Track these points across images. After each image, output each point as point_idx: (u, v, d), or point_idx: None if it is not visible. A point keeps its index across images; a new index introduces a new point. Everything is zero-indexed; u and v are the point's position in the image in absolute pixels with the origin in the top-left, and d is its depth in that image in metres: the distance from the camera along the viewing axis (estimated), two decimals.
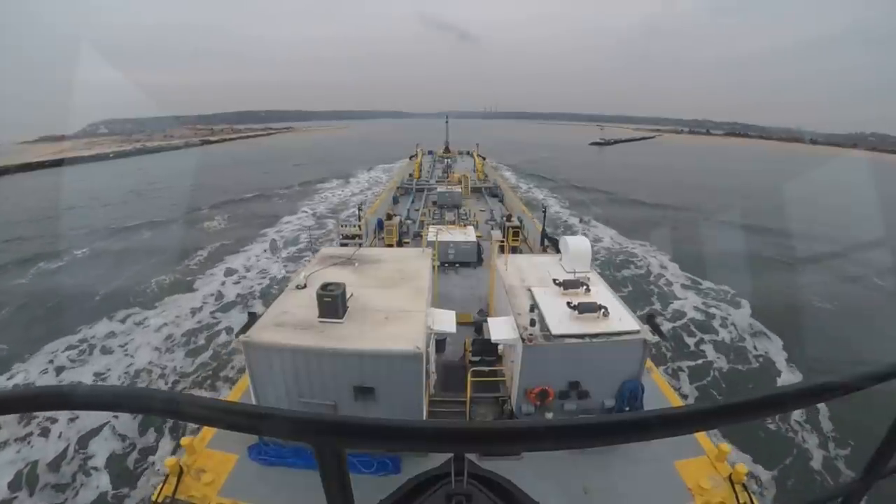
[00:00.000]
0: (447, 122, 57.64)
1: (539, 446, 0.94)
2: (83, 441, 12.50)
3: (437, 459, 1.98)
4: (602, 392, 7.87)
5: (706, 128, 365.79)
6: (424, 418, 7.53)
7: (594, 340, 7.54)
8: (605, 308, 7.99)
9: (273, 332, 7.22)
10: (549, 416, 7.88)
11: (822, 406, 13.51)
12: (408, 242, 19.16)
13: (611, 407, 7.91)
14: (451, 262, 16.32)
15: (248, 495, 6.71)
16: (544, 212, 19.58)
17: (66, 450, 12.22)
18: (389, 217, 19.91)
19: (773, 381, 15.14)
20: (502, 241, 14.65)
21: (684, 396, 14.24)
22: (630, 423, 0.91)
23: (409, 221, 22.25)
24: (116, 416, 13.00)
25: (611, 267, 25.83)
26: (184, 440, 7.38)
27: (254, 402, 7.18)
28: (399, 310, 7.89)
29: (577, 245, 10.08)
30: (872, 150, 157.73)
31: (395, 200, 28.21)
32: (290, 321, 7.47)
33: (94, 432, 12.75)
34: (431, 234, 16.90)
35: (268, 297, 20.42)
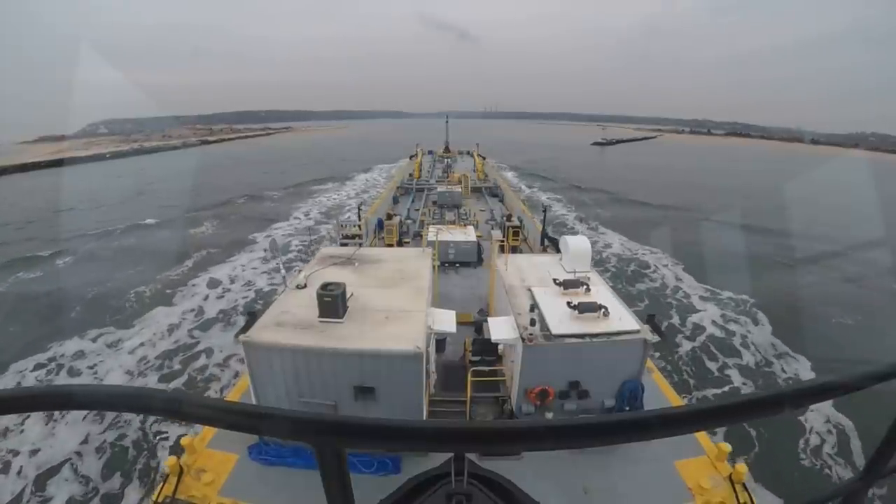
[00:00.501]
0: (447, 122, 57.62)
1: (539, 446, 0.94)
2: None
3: (437, 459, 1.98)
4: (602, 392, 7.87)
5: (707, 128, 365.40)
6: (424, 418, 7.54)
7: (594, 340, 7.54)
8: (605, 308, 7.99)
9: (273, 331, 7.22)
10: (549, 415, 7.88)
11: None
12: (408, 242, 19.16)
13: (611, 407, 7.91)
14: (451, 261, 16.32)
15: (248, 495, 6.71)
16: (544, 212, 19.59)
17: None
18: (389, 217, 19.91)
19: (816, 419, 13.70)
20: (502, 241, 14.65)
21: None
22: (630, 423, 0.92)
23: (409, 221, 22.24)
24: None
25: (623, 279, 24.55)
26: (184, 440, 7.38)
27: (254, 401, 7.18)
28: (399, 310, 7.89)
29: (577, 245, 10.08)
30: (874, 150, 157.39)
31: (395, 200, 28.20)
32: (291, 321, 7.47)
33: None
34: (431, 233, 16.89)
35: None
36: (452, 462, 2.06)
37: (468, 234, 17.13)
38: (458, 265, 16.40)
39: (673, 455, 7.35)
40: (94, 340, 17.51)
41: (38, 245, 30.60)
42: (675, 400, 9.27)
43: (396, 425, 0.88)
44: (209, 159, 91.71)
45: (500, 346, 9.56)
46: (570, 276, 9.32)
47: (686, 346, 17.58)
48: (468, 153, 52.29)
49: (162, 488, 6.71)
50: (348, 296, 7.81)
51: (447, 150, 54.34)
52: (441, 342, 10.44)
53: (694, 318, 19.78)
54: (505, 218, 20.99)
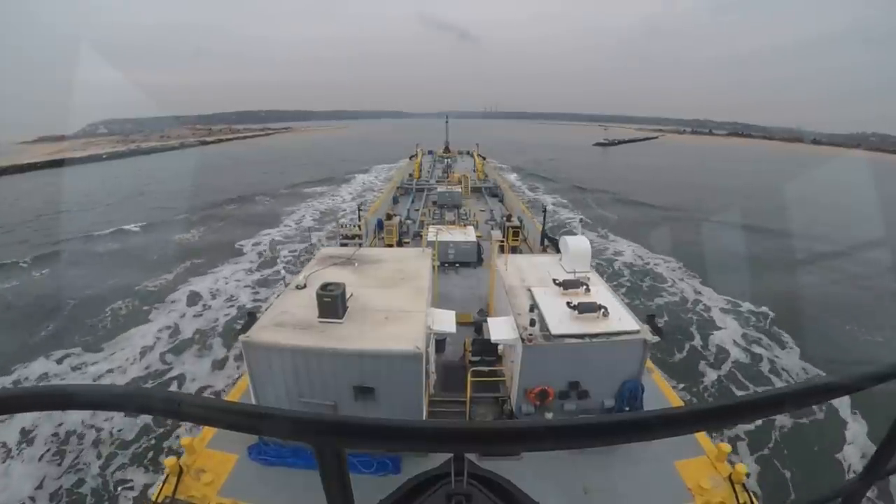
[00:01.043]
0: (447, 122, 57.64)
1: (539, 446, 0.94)
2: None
3: (436, 459, 1.98)
4: (602, 392, 7.87)
5: (708, 128, 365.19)
6: (424, 418, 7.54)
7: (594, 340, 7.54)
8: (605, 308, 7.99)
9: (273, 332, 7.22)
10: (549, 416, 7.88)
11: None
12: (408, 242, 19.16)
13: (611, 407, 7.91)
14: (451, 261, 16.32)
15: (247, 495, 6.71)
16: (544, 212, 19.59)
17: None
18: (389, 217, 19.92)
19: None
20: (502, 241, 14.65)
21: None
22: (630, 423, 0.92)
23: (409, 221, 22.25)
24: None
25: (640, 294, 22.57)
26: (184, 440, 7.39)
27: (254, 401, 7.18)
28: (399, 310, 7.89)
29: (577, 245, 10.09)
30: (876, 150, 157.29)
31: (395, 200, 28.22)
32: (290, 321, 7.47)
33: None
34: (431, 234, 16.89)
35: (230, 332, 17.62)
36: (452, 462, 2.06)
37: (468, 235, 17.13)
38: (457, 265, 16.40)
39: (673, 455, 7.35)
40: (59, 362, 16.22)
41: (19, 251, 29.35)
42: (674, 400, 9.27)
43: (396, 425, 0.88)
44: (206, 160, 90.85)
45: (500, 347, 9.56)
46: (570, 277, 9.32)
47: (711, 375, 15.83)
48: (468, 153, 52.32)
49: (161, 488, 6.71)
50: (348, 296, 7.82)
51: (447, 150, 54.38)
52: (441, 342, 10.44)
53: (716, 337, 18.32)
54: (505, 218, 21.01)
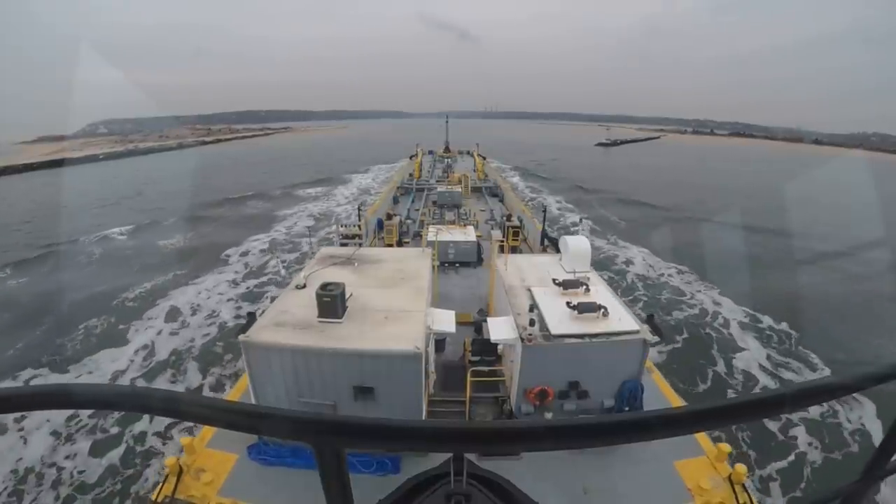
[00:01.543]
0: (447, 121, 57.63)
1: (538, 446, 0.94)
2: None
3: (436, 459, 1.98)
4: (602, 392, 7.87)
5: (709, 128, 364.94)
6: (424, 418, 7.54)
7: (594, 340, 7.54)
8: (605, 308, 7.99)
9: (272, 331, 7.22)
10: (549, 416, 7.88)
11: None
12: (408, 242, 19.16)
13: (610, 407, 7.91)
14: (451, 261, 16.32)
15: (247, 495, 6.71)
16: (544, 212, 19.58)
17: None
18: (389, 217, 19.91)
19: None
20: (502, 241, 14.66)
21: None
22: (630, 423, 0.91)
23: (409, 221, 22.25)
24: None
25: (657, 308, 20.80)
26: (183, 440, 7.39)
27: (253, 401, 7.17)
28: (399, 310, 7.89)
29: (576, 245, 10.08)
30: (877, 150, 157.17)
31: (396, 200, 28.21)
32: (290, 321, 7.47)
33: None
34: (431, 233, 16.89)
35: (207, 356, 16.72)
36: (451, 462, 2.06)
37: (468, 234, 17.13)
38: (457, 265, 16.40)
39: (673, 455, 7.35)
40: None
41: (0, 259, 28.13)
42: (674, 400, 9.26)
43: (396, 425, 0.88)
44: (202, 161, 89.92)
45: (500, 346, 9.56)
46: (570, 277, 9.32)
47: (774, 438, 13.54)
48: (468, 153, 52.32)
49: (161, 488, 6.71)
50: (348, 296, 7.82)
51: (447, 150, 54.38)
52: (441, 342, 10.45)
53: (740, 361, 16.76)
54: (505, 218, 21.00)
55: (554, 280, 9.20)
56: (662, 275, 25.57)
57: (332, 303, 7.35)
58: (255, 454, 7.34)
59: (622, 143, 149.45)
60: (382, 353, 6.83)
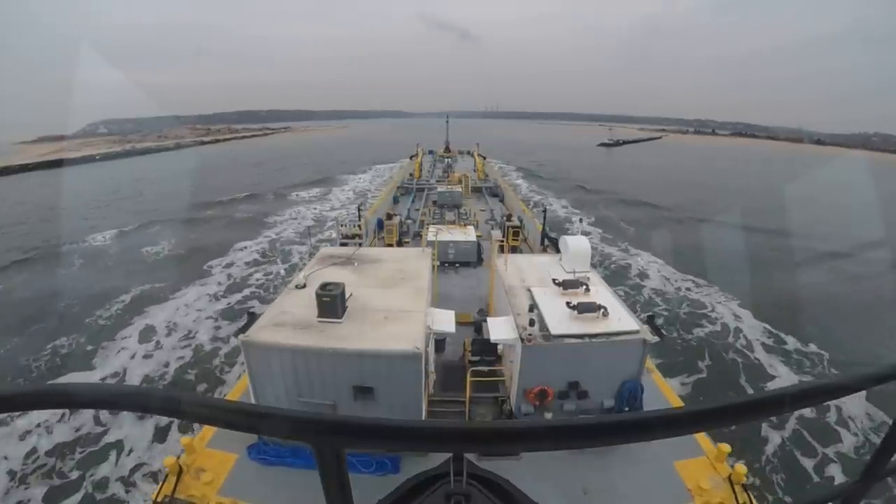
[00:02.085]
0: (447, 121, 57.62)
1: (538, 446, 0.94)
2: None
3: (436, 459, 1.98)
4: (601, 392, 7.87)
5: (710, 128, 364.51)
6: (424, 418, 7.53)
7: (593, 340, 7.54)
8: (605, 308, 7.99)
9: (272, 331, 7.22)
10: (549, 416, 7.88)
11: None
12: (408, 242, 19.16)
13: (610, 407, 7.91)
14: (451, 261, 16.32)
15: (247, 495, 6.71)
16: (544, 212, 19.59)
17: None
18: (389, 217, 19.92)
19: None
20: (502, 241, 14.66)
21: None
22: (630, 424, 0.91)
23: (409, 221, 22.25)
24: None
25: (677, 324, 19.59)
26: (183, 439, 7.38)
27: (253, 401, 7.17)
28: (399, 310, 7.89)
29: (576, 245, 10.08)
30: (881, 150, 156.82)
31: (396, 200, 28.23)
32: (290, 321, 7.47)
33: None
34: (431, 233, 16.90)
35: (179, 385, 15.26)
36: (451, 462, 2.06)
37: (468, 234, 17.13)
38: (457, 265, 16.40)
39: (672, 455, 7.35)
40: None
41: None
42: (674, 400, 9.27)
43: (395, 425, 0.88)
44: (199, 161, 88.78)
45: (500, 347, 9.56)
46: (570, 277, 9.32)
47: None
48: (468, 153, 52.32)
49: (161, 488, 6.71)
50: (347, 296, 7.81)
51: (447, 149, 54.38)
52: (440, 342, 10.45)
53: (805, 421, 13.92)
54: (505, 218, 21.00)
55: (554, 280, 9.20)
56: (679, 288, 23.91)
57: (331, 303, 7.34)
58: (255, 454, 7.34)
59: (624, 143, 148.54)
60: (382, 353, 6.82)
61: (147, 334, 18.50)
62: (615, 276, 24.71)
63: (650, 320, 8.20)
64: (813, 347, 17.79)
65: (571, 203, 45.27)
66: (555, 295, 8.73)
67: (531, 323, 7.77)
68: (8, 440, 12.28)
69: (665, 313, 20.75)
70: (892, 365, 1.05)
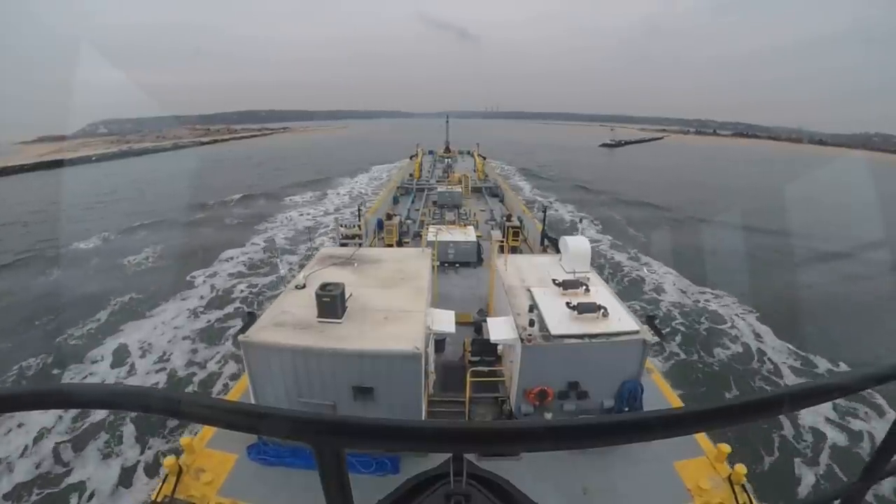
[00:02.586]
0: (447, 121, 57.63)
1: (538, 447, 0.94)
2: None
3: (436, 459, 1.97)
4: (601, 392, 7.87)
5: (711, 128, 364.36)
6: (424, 418, 7.53)
7: (593, 341, 7.54)
8: (605, 308, 7.99)
9: (272, 331, 7.22)
10: (549, 416, 7.88)
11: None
12: (408, 242, 19.17)
13: (610, 407, 7.91)
14: (451, 261, 16.33)
15: (247, 495, 6.71)
16: (544, 212, 19.60)
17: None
18: (389, 217, 19.93)
19: None
20: (502, 241, 14.67)
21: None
22: (630, 424, 0.91)
23: (409, 221, 22.26)
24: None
25: (696, 343, 18.04)
26: (183, 440, 7.39)
27: (253, 401, 7.17)
28: (398, 310, 7.89)
29: (576, 245, 10.08)
30: (883, 150, 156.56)
31: (396, 200, 28.24)
32: (290, 321, 7.47)
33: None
34: (431, 233, 16.91)
35: (146, 420, 13.01)
36: (451, 462, 2.05)
37: (468, 234, 17.14)
38: (457, 265, 16.41)
39: (672, 456, 7.35)
40: None
41: None
42: (674, 401, 9.27)
43: (395, 425, 0.88)
44: (196, 162, 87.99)
45: (500, 347, 9.55)
46: (570, 277, 9.32)
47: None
48: (468, 153, 52.32)
49: (161, 488, 6.71)
50: (347, 296, 7.82)
51: (447, 150, 54.39)
52: (440, 342, 10.45)
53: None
54: (505, 218, 21.02)
55: (554, 280, 9.20)
56: (698, 301, 22.36)
57: (331, 303, 7.34)
58: (255, 454, 7.34)
59: (626, 143, 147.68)
60: (382, 354, 6.83)
61: (120, 356, 16.88)
62: (629, 291, 22.95)
63: (650, 320, 8.21)
64: (844, 367, 16.51)
65: (577, 207, 43.75)
66: (555, 295, 8.73)
67: (531, 323, 7.77)
68: None
69: (683, 328, 19.44)
70: (892, 365, 1.05)
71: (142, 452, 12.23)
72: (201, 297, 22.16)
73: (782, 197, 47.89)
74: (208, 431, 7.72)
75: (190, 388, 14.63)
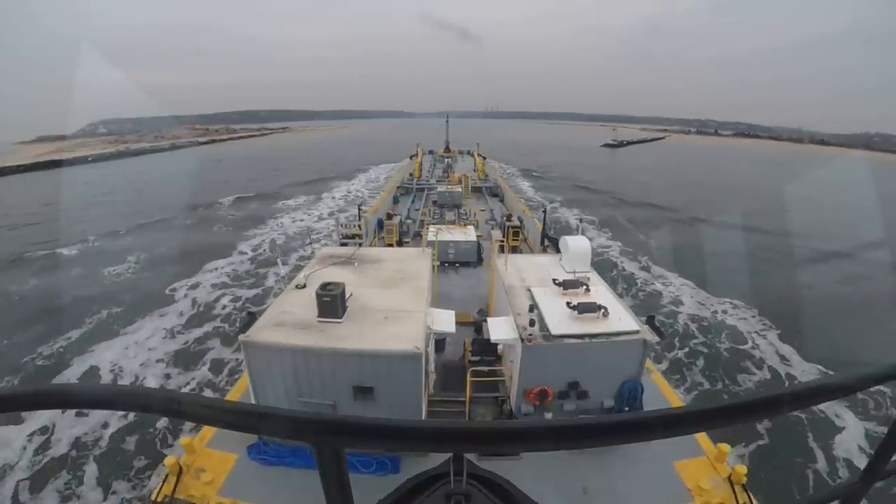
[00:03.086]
0: (447, 121, 57.59)
1: (538, 446, 0.94)
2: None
3: (436, 459, 1.97)
4: (601, 392, 7.87)
5: (712, 128, 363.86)
6: (424, 418, 7.54)
7: (594, 340, 7.54)
8: (605, 308, 7.99)
9: (272, 331, 7.22)
10: (549, 416, 7.88)
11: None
12: (408, 242, 19.17)
13: (610, 407, 7.92)
14: (451, 261, 16.33)
15: (247, 495, 6.72)
16: (544, 212, 19.60)
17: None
18: (389, 217, 19.93)
19: None
20: (502, 241, 14.67)
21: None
22: (630, 424, 0.91)
23: (409, 221, 22.26)
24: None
25: (719, 367, 16.58)
26: (183, 439, 7.40)
27: (253, 401, 7.18)
28: (399, 310, 7.89)
29: (576, 245, 10.08)
30: (882, 150, 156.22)
31: (396, 200, 28.23)
32: (290, 321, 7.47)
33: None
34: (431, 233, 16.90)
35: (113, 456, 12.20)
36: (451, 462, 2.05)
37: (468, 234, 17.14)
38: (457, 265, 16.41)
39: (672, 456, 7.35)
40: None
41: None
42: (674, 400, 9.27)
43: (395, 425, 0.88)
44: (192, 163, 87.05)
45: (500, 347, 9.56)
46: (570, 277, 9.32)
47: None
48: (468, 153, 52.30)
49: (161, 488, 6.71)
50: (348, 296, 7.82)
51: (447, 149, 54.36)
52: (440, 342, 10.45)
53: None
54: (505, 218, 21.01)
55: (554, 280, 9.20)
56: (717, 312, 21.04)
57: (332, 303, 7.35)
58: (255, 454, 7.34)
59: (629, 143, 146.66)
60: (382, 353, 6.83)
61: (90, 378, 15.42)
62: (645, 307, 20.70)
63: (650, 320, 8.21)
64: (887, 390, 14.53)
65: (583, 210, 42.17)
66: (555, 295, 8.73)
67: (531, 323, 7.77)
68: None
69: (704, 348, 17.88)
70: (892, 365, 1.05)
71: (109, 477, 11.45)
72: (180, 314, 20.52)
73: (800, 198, 47.23)
74: (208, 431, 7.72)
75: (160, 423, 13.06)
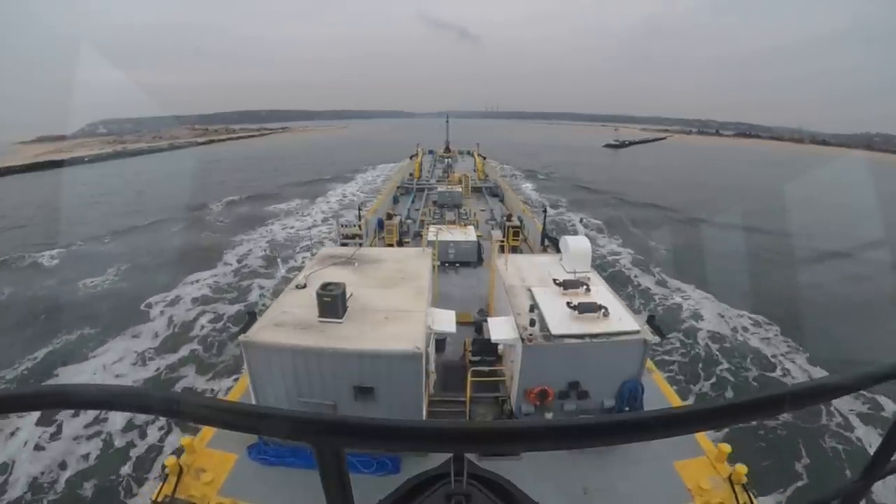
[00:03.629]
0: (447, 121, 57.58)
1: (538, 446, 0.94)
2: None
3: (436, 459, 1.97)
4: (602, 392, 7.87)
5: (713, 128, 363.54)
6: (424, 418, 7.54)
7: (594, 340, 7.54)
8: (606, 308, 7.99)
9: (273, 331, 7.22)
10: (549, 416, 7.88)
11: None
12: (408, 242, 19.17)
13: (610, 407, 7.92)
14: (452, 261, 16.33)
15: (247, 495, 6.72)
16: (545, 212, 19.59)
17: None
18: (390, 217, 19.93)
19: None
20: (502, 241, 14.67)
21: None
22: (630, 424, 0.91)
23: (409, 221, 22.26)
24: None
25: (746, 390, 15.20)
26: (183, 440, 7.39)
27: (253, 401, 7.18)
28: (399, 310, 7.90)
29: (577, 245, 10.08)
30: (883, 150, 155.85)
31: (396, 200, 28.24)
32: (290, 321, 7.47)
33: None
34: (431, 233, 16.90)
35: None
36: (452, 462, 2.05)
37: (468, 234, 17.14)
38: (458, 265, 16.41)
39: (672, 455, 7.35)
40: None
41: None
42: (675, 400, 9.27)
43: (396, 425, 0.88)
44: (190, 163, 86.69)
45: (500, 347, 9.56)
46: (570, 277, 9.32)
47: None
48: (468, 153, 52.31)
49: (161, 488, 6.71)
50: (348, 296, 7.82)
51: (447, 149, 54.36)
52: (441, 342, 10.45)
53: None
54: (505, 218, 21.01)
55: (554, 280, 9.20)
56: (736, 328, 19.56)
57: (332, 303, 7.35)
58: (255, 454, 7.34)
59: (630, 144, 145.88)
60: (382, 353, 6.83)
61: (46, 414, 13.01)
62: (666, 322, 18.31)
63: (651, 320, 8.21)
64: None
65: (588, 214, 41.26)
66: (555, 295, 8.73)
67: (532, 323, 7.77)
68: None
69: (728, 374, 16.40)
70: (892, 365, 1.05)
71: None
72: (155, 336, 18.76)
73: (801, 198, 46.66)
74: (209, 431, 7.72)
75: (127, 466, 11.95)
